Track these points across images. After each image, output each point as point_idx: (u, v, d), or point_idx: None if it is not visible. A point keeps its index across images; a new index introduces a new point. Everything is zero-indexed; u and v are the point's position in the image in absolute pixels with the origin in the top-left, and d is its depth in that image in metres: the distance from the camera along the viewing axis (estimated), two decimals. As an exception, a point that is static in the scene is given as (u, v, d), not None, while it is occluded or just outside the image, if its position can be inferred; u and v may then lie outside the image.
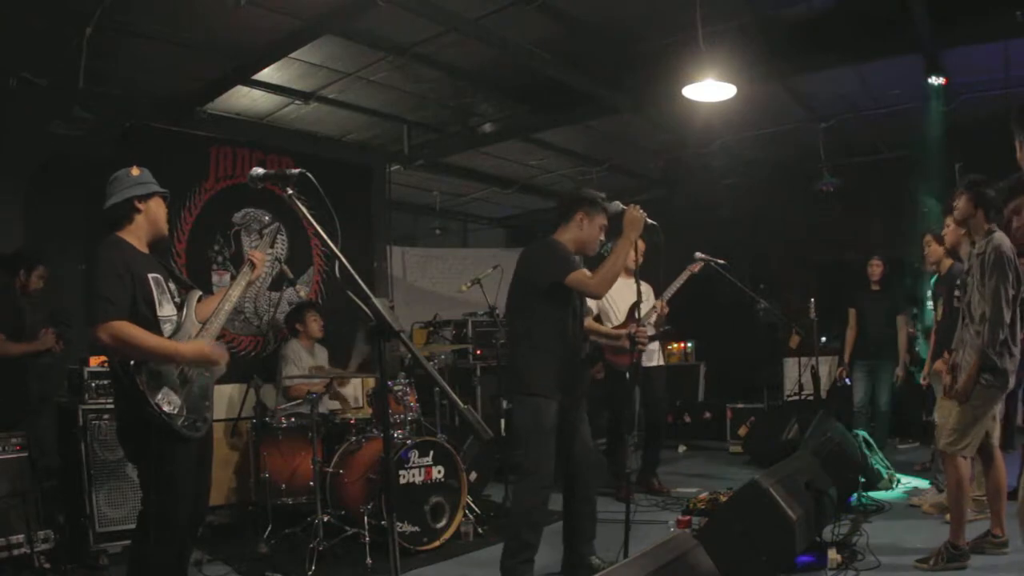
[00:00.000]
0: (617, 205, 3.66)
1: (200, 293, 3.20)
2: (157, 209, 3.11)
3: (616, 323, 5.38)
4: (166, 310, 3.00)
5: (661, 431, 6.07)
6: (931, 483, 5.31)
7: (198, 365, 2.96)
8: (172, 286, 3.10)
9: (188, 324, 3.04)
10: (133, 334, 2.80)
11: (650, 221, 3.60)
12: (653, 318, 5.18)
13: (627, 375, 5.32)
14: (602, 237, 3.77)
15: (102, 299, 2.79)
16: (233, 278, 6.02)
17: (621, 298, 5.30)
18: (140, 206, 3.04)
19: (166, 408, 2.83)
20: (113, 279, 2.84)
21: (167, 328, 2.98)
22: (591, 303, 5.20)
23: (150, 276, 2.98)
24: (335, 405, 5.72)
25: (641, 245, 5.48)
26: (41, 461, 4.33)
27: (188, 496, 2.95)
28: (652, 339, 5.45)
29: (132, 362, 2.82)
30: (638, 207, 3.60)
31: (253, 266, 3.26)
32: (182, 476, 2.91)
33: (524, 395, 3.62)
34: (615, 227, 3.70)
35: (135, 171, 3.08)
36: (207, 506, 3.24)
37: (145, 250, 3.08)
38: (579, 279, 3.55)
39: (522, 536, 3.55)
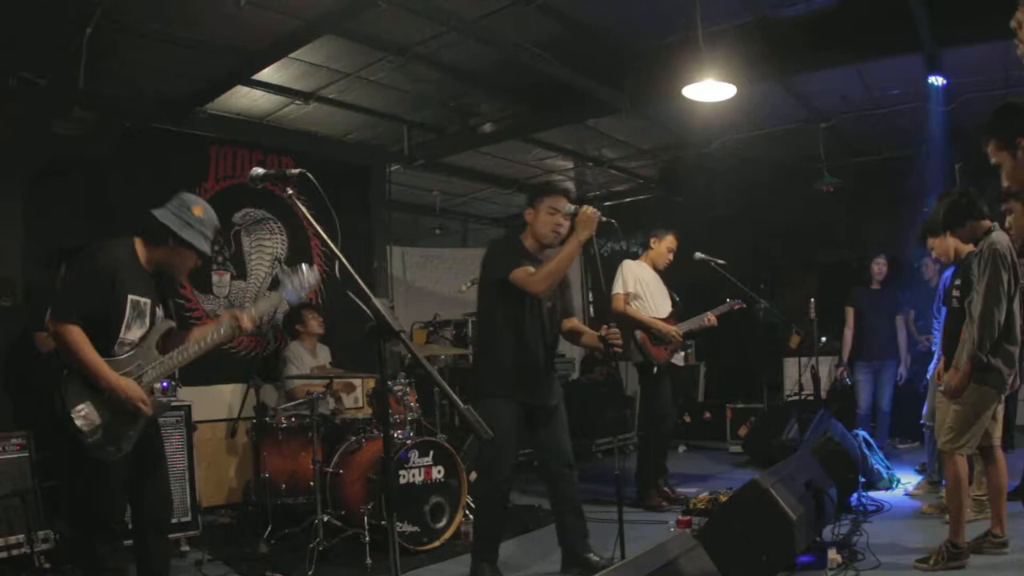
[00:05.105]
0: (569, 207, 3.65)
1: (171, 326, 3.11)
2: (184, 261, 3.05)
3: (654, 315, 5.38)
4: (133, 333, 2.95)
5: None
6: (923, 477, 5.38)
7: (118, 400, 2.85)
8: (160, 310, 3.04)
9: (145, 351, 2.99)
10: (75, 340, 2.78)
11: (605, 219, 3.57)
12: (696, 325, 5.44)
13: (655, 369, 5.36)
14: (561, 222, 3.70)
15: (68, 300, 2.84)
16: (234, 278, 6.12)
17: (659, 291, 5.48)
18: (171, 244, 2.97)
19: (79, 422, 2.79)
20: (88, 287, 2.85)
21: (124, 350, 2.93)
22: (634, 288, 5.31)
23: (131, 298, 2.92)
24: (334, 404, 5.71)
25: (672, 242, 5.54)
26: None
27: (103, 510, 2.93)
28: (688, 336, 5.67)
29: (66, 370, 2.82)
30: (591, 206, 3.57)
31: (239, 325, 3.08)
32: (95, 493, 2.90)
33: (478, 396, 3.68)
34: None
35: (198, 211, 3.00)
36: (167, 508, 3.18)
37: (147, 268, 3.02)
38: (520, 276, 3.57)
39: (480, 531, 3.74)
